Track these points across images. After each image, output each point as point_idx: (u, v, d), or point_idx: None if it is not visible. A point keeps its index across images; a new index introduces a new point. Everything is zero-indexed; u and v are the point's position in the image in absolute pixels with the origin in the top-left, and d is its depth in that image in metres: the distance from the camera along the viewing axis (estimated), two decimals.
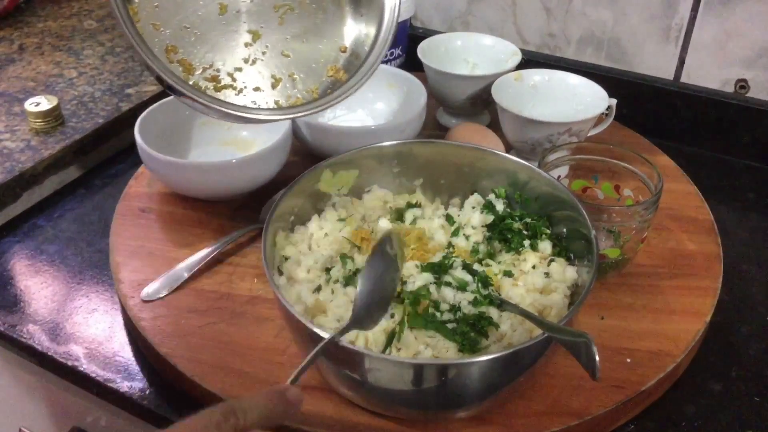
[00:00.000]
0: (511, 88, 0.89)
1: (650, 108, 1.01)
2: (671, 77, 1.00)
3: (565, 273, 0.64)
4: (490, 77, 0.90)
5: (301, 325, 0.54)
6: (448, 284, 0.61)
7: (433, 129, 0.97)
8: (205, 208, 0.81)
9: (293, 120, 0.81)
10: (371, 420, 0.59)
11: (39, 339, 0.69)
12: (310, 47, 0.77)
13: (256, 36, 0.74)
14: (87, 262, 0.78)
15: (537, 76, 0.91)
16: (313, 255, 0.66)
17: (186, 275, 0.71)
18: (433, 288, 0.61)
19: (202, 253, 0.73)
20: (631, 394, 0.61)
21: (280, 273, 0.66)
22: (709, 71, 0.97)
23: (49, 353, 0.68)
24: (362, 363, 0.53)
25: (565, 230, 0.67)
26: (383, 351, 0.57)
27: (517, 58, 0.94)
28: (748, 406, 0.64)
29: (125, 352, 0.68)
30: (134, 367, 0.67)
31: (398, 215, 0.71)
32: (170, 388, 0.65)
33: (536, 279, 0.63)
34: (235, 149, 0.88)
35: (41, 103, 0.91)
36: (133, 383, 0.65)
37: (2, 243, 0.81)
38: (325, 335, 0.52)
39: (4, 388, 0.81)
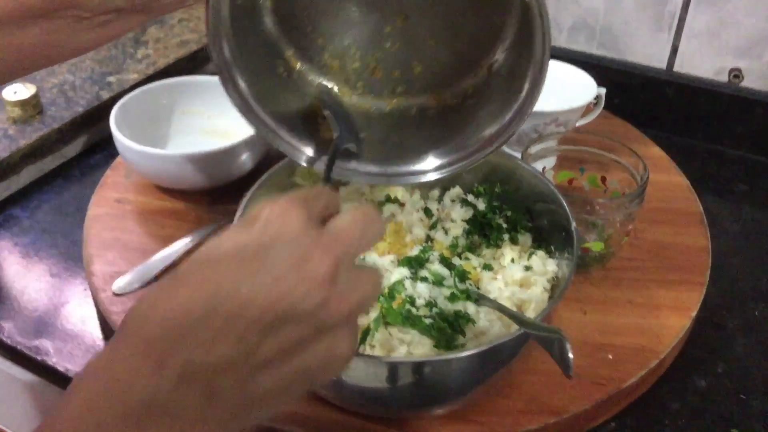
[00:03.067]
0: None
1: (642, 97, 0.99)
2: (664, 66, 0.97)
3: (545, 266, 0.62)
4: None
5: None
6: (424, 279, 0.60)
7: None
8: (183, 199, 0.79)
9: None
10: (346, 418, 0.57)
11: (9, 332, 0.67)
12: (449, 48, 0.60)
13: (400, 22, 0.59)
14: (62, 253, 0.77)
15: None
16: None
17: (161, 268, 0.70)
18: (408, 283, 0.59)
19: (178, 246, 0.72)
20: (612, 391, 0.60)
21: None
22: (703, 60, 0.95)
23: (19, 347, 0.66)
24: None
25: (546, 223, 0.65)
26: (357, 348, 0.55)
27: None
28: (734, 404, 0.63)
29: (98, 348, 0.66)
30: None
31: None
32: None
33: (515, 272, 0.62)
34: (214, 139, 0.86)
35: (19, 91, 0.89)
36: None
37: None
38: None
39: None
